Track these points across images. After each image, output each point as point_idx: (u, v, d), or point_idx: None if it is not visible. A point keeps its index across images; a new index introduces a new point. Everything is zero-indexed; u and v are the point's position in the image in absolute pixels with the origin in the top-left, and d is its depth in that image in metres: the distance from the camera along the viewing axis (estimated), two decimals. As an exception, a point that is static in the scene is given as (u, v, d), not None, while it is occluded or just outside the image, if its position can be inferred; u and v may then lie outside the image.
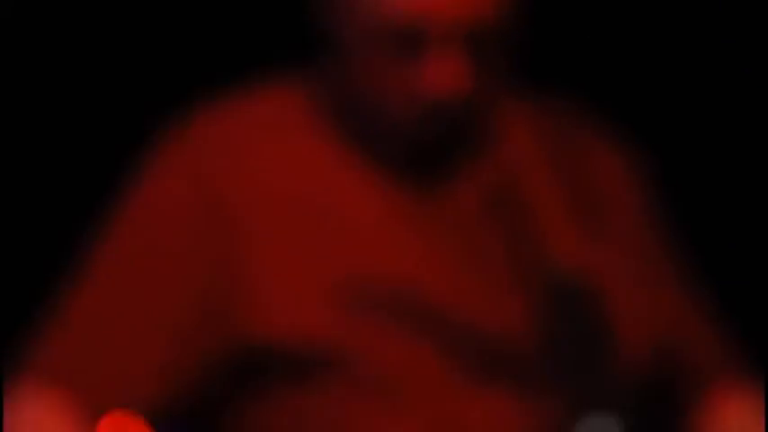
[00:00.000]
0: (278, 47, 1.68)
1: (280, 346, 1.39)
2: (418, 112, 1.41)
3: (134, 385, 1.40)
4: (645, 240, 1.53)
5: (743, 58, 1.79)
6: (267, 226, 1.44)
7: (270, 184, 1.46)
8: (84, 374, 1.40)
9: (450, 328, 1.42)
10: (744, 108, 1.77)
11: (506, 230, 1.45)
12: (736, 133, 1.82)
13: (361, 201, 1.46)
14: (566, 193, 1.49)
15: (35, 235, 1.72)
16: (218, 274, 1.42)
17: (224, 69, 1.61)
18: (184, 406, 1.41)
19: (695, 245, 1.55)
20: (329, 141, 1.48)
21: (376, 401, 1.41)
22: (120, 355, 1.42)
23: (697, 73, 1.85)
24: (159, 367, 1.42)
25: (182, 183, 1.45)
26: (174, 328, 1.42)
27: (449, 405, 1.41)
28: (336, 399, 1.40)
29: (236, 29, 1.80)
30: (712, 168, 1.85)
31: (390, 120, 1.44)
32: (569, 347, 1.43)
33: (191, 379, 1.42)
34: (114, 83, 1.78)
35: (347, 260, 1.43)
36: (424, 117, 1.42)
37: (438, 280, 1.43)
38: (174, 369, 1.42)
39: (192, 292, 1.42)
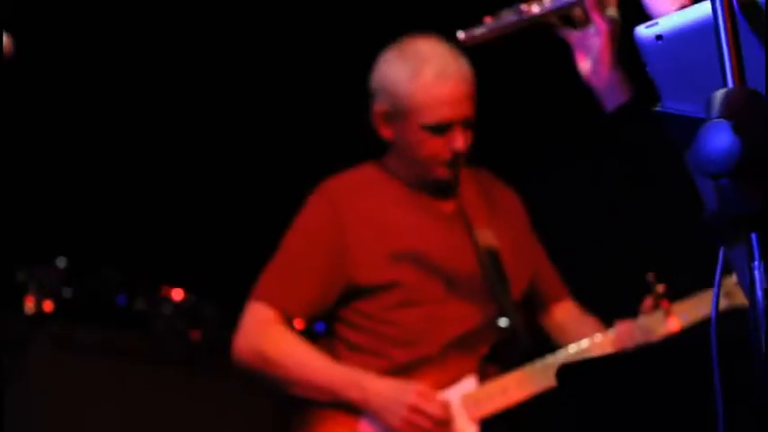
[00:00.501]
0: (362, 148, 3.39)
1: (366, 283, 3.20)
2: (447, 161, 3.22)
3: (307, 303, 3.19)
4: (529, 234, 3.46)
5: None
6: (363, 227, 3.23)
7: (364, 206, 3.26)
8: (283, 296, 3.19)
9: (446, 271, 3.19)
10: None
11: (467, 227, 3.33)
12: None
13: (408, 212, 3.28)
14: (488, 207, 3.34)
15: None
16: (340, 249, 3.21)
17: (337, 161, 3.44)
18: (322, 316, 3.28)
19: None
20: (394, 186, 3.31)
21: (411, 307, 3.16)
22: (301, 287, 3.18)
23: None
24: (319, 293, 3.19)
25: (325, 206, 3.28)
26: (324, 274, 3.20)
27: (440, 305, 3.18)
28: (393, 307, 3.17)
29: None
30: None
31: (429, 170, 3.24)
32: (491, 280, 3.25)
33: (330, 300, 3.20)
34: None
35: (401, 241, 3.23)
36: (449, 164, 3.22)
37: (440, 249, 3.25)
38: (323, 294, 3.20)
39: (331, 257, 3.20)
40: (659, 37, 1.56)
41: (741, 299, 3.10)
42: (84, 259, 4.64)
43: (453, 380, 3.09)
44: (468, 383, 3.08)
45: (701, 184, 1.58)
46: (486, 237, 3.26)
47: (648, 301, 3.17)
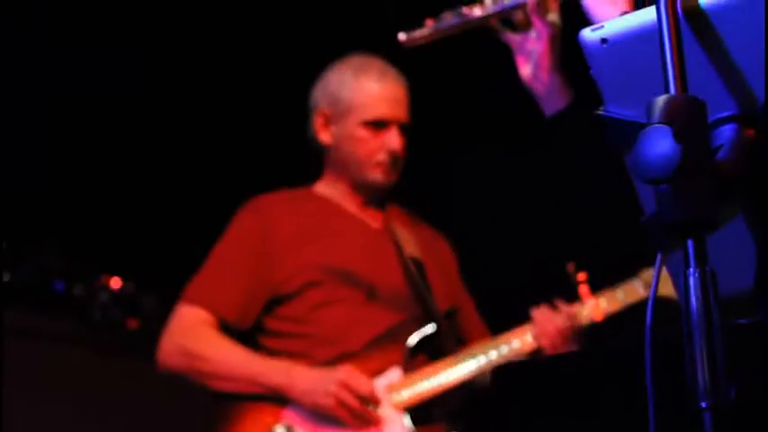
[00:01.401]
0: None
1: (290, 288, 3.22)
2: (384, 161, 3.31)
3: (235, 305, 3.19)
4: (456, 277, 3.51)
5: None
6: (289, 236, 3.27)
7: (291, 219, 3.31)
8: (212, 297, 3.20)
9: (370, 279, 3.26)
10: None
11: (393, 241, 3.39)
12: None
13: (335, 225, 3.35)
14: (416, 236, 3.44)
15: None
16: (267, 257, 3.24)
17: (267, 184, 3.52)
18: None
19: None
20: (322, 203, 3.38)
21: (333, 306, 3.22)
22: (229, 290, 3.20)
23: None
24: (246, 297, 3.21)
25: (253, 217, 3.34)
26: (251, 279, 3.22)
27: (363, 307, 3.22)
28: (316, 306, 3.19)
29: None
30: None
31: (365, 172, 3.33)
32: (417, 289, 3.24)
33: (256, 307, 3.21)
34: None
35: (325, 250, 3.28)
36: (386, 164, 3.32)
37: (366, 259, 3.30)
38: (251, 299, 3.21)
39: (258, 264, 3.23)
40: (604, 40, 1.57)
41: (665, 290, 3.14)
42: (23, 243, 4.59)
43: (378, 372, 3.10)
44: (394, 374, 3.10)
45: (640, 189, 1.58)
46: (413, 250, 3.33)
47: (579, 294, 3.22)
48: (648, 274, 3.26)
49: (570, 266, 3.21)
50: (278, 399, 3.07)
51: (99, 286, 4.70)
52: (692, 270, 1.44)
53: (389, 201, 3.45)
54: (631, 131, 1.44)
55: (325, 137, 3.38)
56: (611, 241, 3.21)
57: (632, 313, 3.14)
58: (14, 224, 4.54)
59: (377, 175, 3.33)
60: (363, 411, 3.00)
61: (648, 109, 1.44)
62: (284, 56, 4.66)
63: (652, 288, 1.57)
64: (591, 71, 1.59)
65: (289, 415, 3.06)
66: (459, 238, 3.71)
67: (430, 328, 3.18)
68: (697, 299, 1.43)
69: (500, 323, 3.36)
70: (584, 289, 3.21)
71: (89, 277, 4.71)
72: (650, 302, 1.59)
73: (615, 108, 1.57)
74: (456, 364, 3.11)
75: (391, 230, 3.37)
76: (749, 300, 1.57)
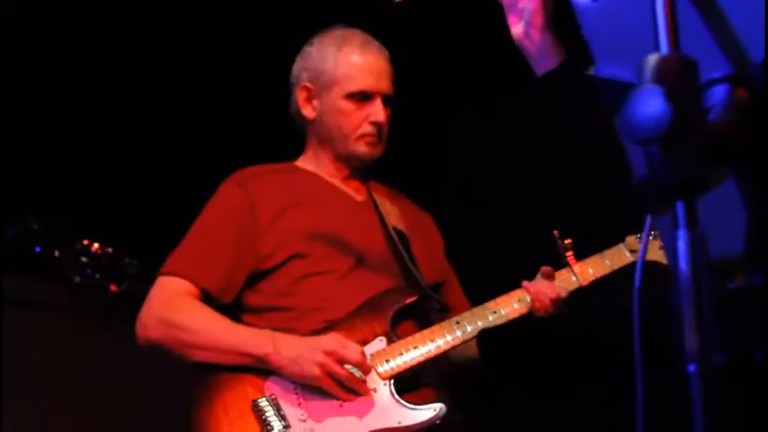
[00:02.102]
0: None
1: (274, 261, 3.16)
2: (368, 132, 3.27)
3: (218, 275, 3.13)
4: (441, 255, 3.48)
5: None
6: (272, 208, 3.21)
7: (274, 190, 3.26)
8: (194, 268, 3.13)
9: (356, 248, 3.20)
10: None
11: (377, 213, 3.34)
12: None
13: (320, 196, 3.30)
14: (400, 211, 3.42)
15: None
16: (250, 228, 3.18)
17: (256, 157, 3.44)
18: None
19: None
20: (306, 176, 3.35)
21: (317, 276, 3.14)
22: (212, 260, 3.14)
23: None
24: (229, 268, 3.14)
25: (235, 189, 3.25)
26: (234, 250, 3.15)
27: (348, 275, 3.16)
28: (299, 279, 3.14)
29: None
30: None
31: (350, 144, 3.29)
32: (402, 258, 3.23)
33: (239, 279, 3.15)
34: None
35: (310, 220, 3.22)
36: (370, 136, 3.27)
37: (351, 229, 3.25)
38: (234, 270, 3.14)
39: (242, 235, 3.16)
40: (595, -1, 1.55)
41: (653, 255, 3.14)
42: (2, 207, 4.56)
43: (363, 342, 3.05)
44: (379, 344, 3.06)
45: (630, 150, 1.56)
46: (396, 222, 3.31)
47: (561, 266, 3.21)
48: (633, 239, 3.26)
49: (556, 233, 3.19)
50: (260, 370, 3.01)
51: (79, 250, 4.68)
52: (681, 232, 1.42)
53: (371, 178, 3.43)
54: (622, 92, 1.42)
55: (308, 111, 3.34)
56: (597, 207, 3.20)
57: (621, 277, 3.14)
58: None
59: (362, 148, 3.30)
60: (352, 381, 2.95)
61: (639, 69, 1.42)
62: (264, 28, 4.62)
63: (641, 251, 1.55)
64: (582, 30, 1.57)
65: (272, 386, 2.99)
66: (444, 208, 3.69)
67: (414, 297, 3.15)
68: (686, 261, 1.41)
69: (487, 291, 3.34)
70: (570, 255, 3.20)
71: (68, 241, 4.68)
72: (639, 266, 1.57)
73: (606, 68, 1.55)
74: (441, 332, 3.08)
75: (375, 203, 3.34)
76: (739, 263, 1.55)
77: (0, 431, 4.26)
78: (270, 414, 2.98)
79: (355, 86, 3.25)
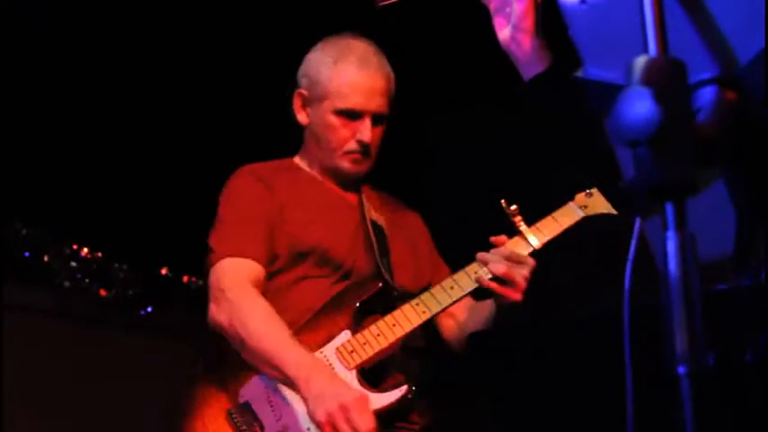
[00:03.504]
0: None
1: (296, 245, 3.21)
2: (354, 149, 3.28)
3: (265, 249, 3.19)
4: (430, 252, 3.50)
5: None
6: (287, 199, 3.27)
7: (281, 184, 3.30)
8: (244, 245, 3.17)
9: (339, 261, 3.24)
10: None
11: (362, 215, 3.35)
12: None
13: (310, 193, 3.33)
14: (388, 216, 3.44)
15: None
16: (273, 212, 3.23)
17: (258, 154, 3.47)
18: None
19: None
20: (304, 173, 3.39)
21: (318, 270, 3.20)
22: (256, 235, 3.19)
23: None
24: (268, 243, 3.20)
25: (252, 179, 3.30)
26: (264, 233, 3.20)
27: (332, 283, 3.20)
28: (308, 270, 3.21)
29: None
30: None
31: (335, 159, 3.31)
32: (377, 269, 3.24)
33: (269, 255, 3.20)
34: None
35: (308, 222, 3.26)
36: (355, 153, 3.29)
37: (339, 234, 3.30)
38: (270, 246, 3.21)
39: (268, 217, 3.23)
40: (583, 0, 1.54)
41: (598, 208, 3.13)
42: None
43: (328, 337, 3.10)
44: (344, 336, 3.08)
45: (619, 152, 1.56)
46: (377, 220, 3.33)
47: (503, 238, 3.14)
48: (582, 196, 3.19)
49: (503, 202, 3.11)
50: (238, 374, 3.02)
51: (68, 255, 4.67)
52: (671, 234, 1.41)
53: (364, 183, 3.43)
54: (611, 93, 1.42)
55: (302, 117, 3.36)
56: (546, 171, 3.17)
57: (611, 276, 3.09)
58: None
59: (346, 164, 3.30)
60: None
61: (628, 70, 1.41)
62: (266, 25, 4.61)
63: (630, 253, 1.54)
64: (569, 32, 1.56)
65: (246, 392, 3.01)
66: (429, 205, 3.69)
67: (375, 288, 3.16)
68: (676, 263, 1.40)
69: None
70: (519, 221, 3.11)
71: (58, 246, 4.67)
72: (628, 267, 1.57)
73: (594, 70, 1.55)
74: (402, 316, 3.08)
75: (363, 206, 3.35)
76: (729, 264, 1.55)
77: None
78: (245, 419, 3.04)
79: (344, 104, 3.25)
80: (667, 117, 1.37)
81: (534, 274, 3.10)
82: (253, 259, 3.17)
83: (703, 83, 1.50)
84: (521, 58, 2.29)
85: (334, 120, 3.26)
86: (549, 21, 2.12)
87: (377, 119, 3.28)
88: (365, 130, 3.24)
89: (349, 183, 3.40)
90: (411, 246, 3.44)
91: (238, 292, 3.11)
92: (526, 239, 3.14)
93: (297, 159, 3.45)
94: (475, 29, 2.49)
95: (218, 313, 3.11)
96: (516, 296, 3.08)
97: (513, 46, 2.30)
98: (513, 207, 3.13)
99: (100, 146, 4.75)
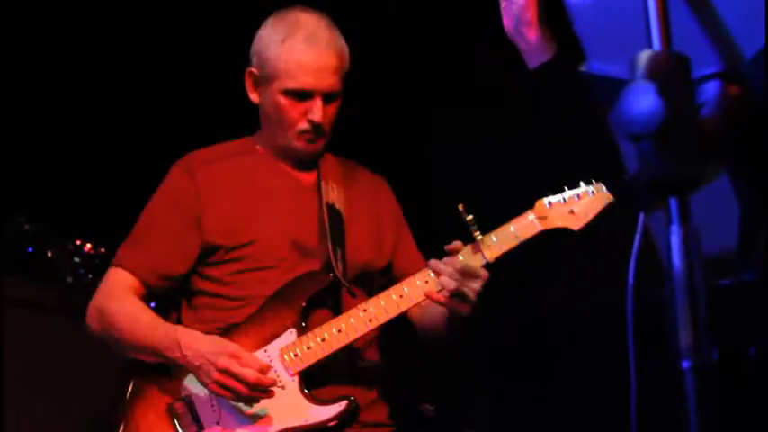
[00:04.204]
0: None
1: (219, 242, 3.15)
2: (306, 129, 3.18)
3: (162, 267, 3.16)
4: (394, 223, 3.40)
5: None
6: (218, 194, 3.21)
7: (221, 175, 3.24)
8: (139, 261, 3.16)
9: (293, 238, 3.17)
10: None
11: (319, 199, 3.27)
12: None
13: (267, 180, 3.26)
14: (348, 191, 3.35)
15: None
16: (197, 212, 3.17)
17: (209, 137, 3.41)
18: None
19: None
20: (258, 155, 3.30)
21: (253, 271, 3.13)
22: (158, 252, 3.17)
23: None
24: (174, 258, 3.17)
25: (182, 175, 3.24)
26: (180, 239, 3.17)
27: (281, 269, 3.13)
28: (237, 271, 3.14)
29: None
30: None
31: (287, 139, 3.22)
32: (333, 249, 3.17)
33: (186, 266, 3.18)
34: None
35: (255, 208, 3.21)
36: (306, 134, 3.20)
37: (291, 218, 3.21)
38: (180, 259, 3.17)
39: (187, 223, 3.17)
40: (587, -5, 1.54)
41: (556, 221, 3.06)
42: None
43: (273, 335, 3.07)
44: (289, 336, 3.05)
45: (623, 146, 1.56)
46: (335, 201, 3.29)
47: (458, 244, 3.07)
48: (542, 204, 3.06)
49: (461, 207, 3.02)
50: (182, 367, 3.03)
51: (70, 251, 4.67)
52: (674, 228, 1.41)
53: (326, 152, 3.35)
54: (614, 88, 1.42)
55: (253, 96, 3.26)
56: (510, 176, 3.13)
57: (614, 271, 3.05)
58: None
59: (299, 143, 3.22)
60: (251, 393, 2.95)
61: (632, 65, 1.41)
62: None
63: (634, 249, 1.54)
64: (573, 27, 1.56)
65: (188, 387, 3.01)
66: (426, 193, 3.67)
67: (324, 284, 3.11)
68: (680, 258, 1.40)
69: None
70: (475, 229, 3.03)
71: (60, 242, 4.67)
72: (632, 262, 1.57)
73: (598, 64, 1.54)
74: (348, 321, 3.02)
75: (320, 187, 3.29)
76: (732, 259, 1.55)
77: (-7, 432, 4.26)
78: (185, 417, 3.04)
79: (292, 84, 3.15)
80: (671, 112, 1.37)
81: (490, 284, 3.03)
82: (140, 276, 3.17)
83: (707, 78, 1.50)
84: (525, 48, 2.31)
85: (283, 100, 3.17)
86: (554, 12, 2.13)
87: (328, 97, 3.17)
88: (316, 110, 3.15)
89: (305, 161, 3.31)
90: (374, 221, 3.37)
91: (104, 296, 3.17)
92: (480, 251, 3.03)
93: (254, 139, 3.36)
94: (484, 17, 2.50)
95: (88, 320, 3.18)
96: (465, 310, 3.00)
97: (518, 36, 2.32)
98: (470, 217, 3.01)
99: (103, 142, 4.75)
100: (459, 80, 4.39)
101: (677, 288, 1.40)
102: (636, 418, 1.49)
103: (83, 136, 4.72)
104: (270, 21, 3.25)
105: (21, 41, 4.50)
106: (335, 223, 3.23)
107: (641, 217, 1.54)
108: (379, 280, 3.28)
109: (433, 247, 3.24)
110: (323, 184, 3.31)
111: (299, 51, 3.15)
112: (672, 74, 1.40)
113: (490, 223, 3.07)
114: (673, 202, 1.42)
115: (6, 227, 4.55)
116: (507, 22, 2.36)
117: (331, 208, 3.25)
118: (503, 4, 2.38)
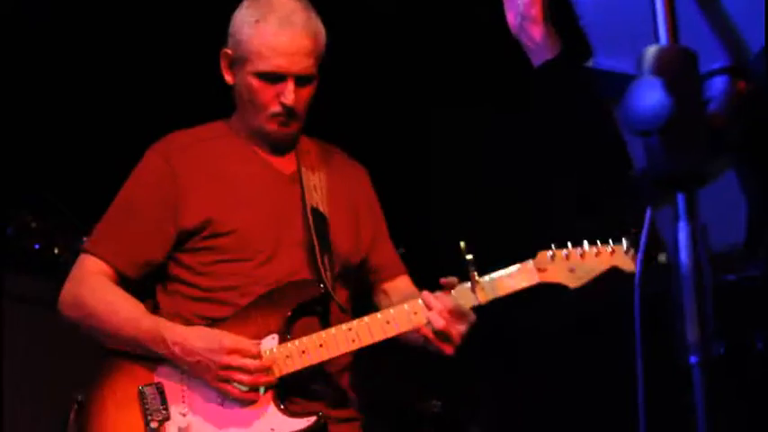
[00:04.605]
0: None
1: (196, 229, 3.10)
2: (278, 112, 3.12)
3: (135, 256, 3.12)
4: (371, 212, 3.36)
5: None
6: (196, 180, 3.15)
7: (198, 161, 3.18)
8: (112, 249, 3.12)
9: (273, 230, 3.12)
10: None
11: (300, 190, 3.21)
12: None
13: (244, 168, 3.21)
14: (328, 179, 3.29)
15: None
16: (172, 202, 3.12)
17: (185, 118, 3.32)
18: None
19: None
20: (234, 142, 3.24)
21: (233, 263, 3.09)
22: (130, 241, 3.13)
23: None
24: (147, 246, 3.13)
25: (158, 160, 3.19)
26: (154, 227, 3.12)
27: (260, 264, 3.08)
28: (214, 262, 3.10)
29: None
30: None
31: (260, 121, 3.16)
32: (316, 245, 3.13)
33: (160, 254, 3.13)
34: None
35: (233, 197, 3.15)
36: (280, 116, 3.13)
37: (271, 209, 3.16)
38: (153, 248, 3.13)
39: (162, 210, 3.12)
40: (594, -10, 1.54)
41: (556, 276, 3.05)
42: (2, 205, 4.56)
43: (255, 336, 3.03)
44: (270, 341, 3.02)
45: (630, 142, 1.56)
46: (320, 198, 3.24)
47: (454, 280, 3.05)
48: (544, 256, 3.05)
49: (462, 245, 3.00)
50: (156, 356, 3.03)
51: (78, 247, 4.68)
52: (682, 224, 1.41)
53: (304, 135, 3.32)
54: (621, 83, 1.42)
55: (228, 77, 3.19)
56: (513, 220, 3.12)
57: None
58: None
59: (272, 126, 3.16)
60: (253, 379, 2.96)
61: (639, 60, 1.41)
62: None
63: (641, 243, 1.54)
64: (580, 22, 1.56)
65: (161, 373, 2.99)
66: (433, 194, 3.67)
67: (314, 295, 3.07)
68: (687, 253, 1.40)
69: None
70: (471, 271, 2.97)
71: (68, 238, 4.68)
72: (639, 258, 1.57)
73: (605, 59, 1.54)
74: (332, 338, 3.01)
75: (300, 178, 3.25)
76: (739, 255, 1.55)
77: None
78: (153, 403, 3.01)
79: (264, 67, 3.10)
80: (678, 107, 1.37)
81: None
82: (112, 265, 3.13)
83: (714, 72, 1.49)
84: (530, 45, 2.30)
85: (256, 82, 3.12)
86: (559, 9, 2.12)
87: (302, 80, 3.12)
88: (288, 93, 3.10)
89: (280, 145, 3.27)
90: (352, 212, 3.33)
91: (79, 284, 3.14)
92: (474, 291, 3.02)
93: (229, 123, 3.30)
94: (488, 14, 2.49)
95: (62, 307, 3.16)
96: (448, 351, 3.02)
97: (522, 34, 2.32)
98: (470, 256, 3.00)
99: (111, 139, 4.75)
100: (463, 81, 4.39)
101: (684, 283, 1.40)
102: (644, 414, 1.49)
103: (91, 133, 4.72)
104: (245, 2, 3.20)
105: (23, 39, 4.50)
106: (320, 224, 3.19)
107: (648, 213, 1.54)
108: (355, 274, 3.27)
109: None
110: (303, 172, 3.26)
111: (271, 33, 3.10)
112: (679, 69, 1.39)
113: (488, 258, 3.07)
114: (680, 198, 1.42)
115: (14, 224, 4.56)
116: (511, 19, 2.35)
117: (314, 209, 3.20)
118: (507, 4, 2.37)
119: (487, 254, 3.14)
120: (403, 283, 3.35)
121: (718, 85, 1.49)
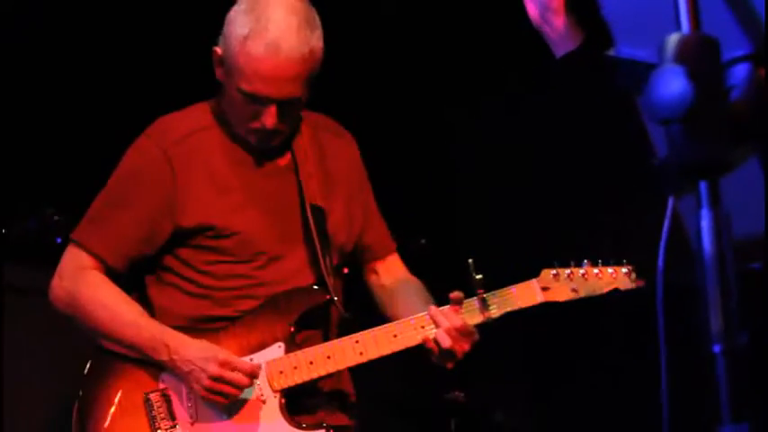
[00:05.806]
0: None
1: (197, 228, 3.03)
2: (257, 129, 3.02)
3: (126, 249, 3.05)
4: (360, 184, 3.28)
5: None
6: (193, 174, 3.06)
7: (193, 155, 3.08)
8: (101, 242, 3.05)
9: (272, 228, 3.08)
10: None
11: (297, 183, 3.15)
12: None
13: (235, 163, 3.10)
14: (321, 161, 3.20)
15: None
16: (173, 193, 3.04)
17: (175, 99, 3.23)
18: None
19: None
20: (222, 136, 3.11)
21: (232, 264, 3.04)
22: (122, 234, 3.05)
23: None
24: (139, 240, 3.05)
25: (154, 150, 3.08)
26: (152, 218, 3.04)
27: (261, 265, 3.05)
28: (213, 262, 3.04)
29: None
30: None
31: (240, 130, 3.07)
32: (315, 242, 3.08)
33: (152, 247, 3.05)
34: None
35: (230, 195, 3.07)
36: (259, 133, 3.03)
37: (268, 207, 3.09)
38: (145, 241, 3.05)
39: (162, 201, 3.04)
40: (615, -21, 1.54)
41: (559, 295, 3.05)
42: (24, 199, 4.57)
43: (261, 344, 3.02)
44: (276, 350, 3.01)
45: (652, 130, 1.56)
46: (316, 194, 3.15)
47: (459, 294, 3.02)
48: (548, 275, 3.08)
49: (471, 262, 3.00)
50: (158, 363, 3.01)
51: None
52: (705, 212, 1.41)
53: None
54: (643, 72, 1.41)
55: (218, 73, 3.05)
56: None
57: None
58: (14, 180, 4.51)
59: (252, 138, 3.06)
60: (237, 395, 2.95)
61: (660, 49, 1.41)
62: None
63: (664, 232, 1.54)
64: (602, 10, 1.56)
65: (167, 380, 2.99)
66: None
67: (320, 301, 3.06)
68: (710, 242, 1.40)
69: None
70: (479, 289, 2.99)
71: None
72: (662, 247, 1.56)
73: (627, 48, 1.54)
74: (340, 349, 3.00)
75: (296, 170, 3.15)
76: (762, 242, 1.55)
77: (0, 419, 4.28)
78: (159, 411, 3.00)
79: (246, 87, 2.96)
80: (701, 95, 1.36)
81: None
82: (101, 259, 3.06)
83: (737, 60, 1.49)
84: (552, 36, 2.29)
85: (238, 96, 2.98)
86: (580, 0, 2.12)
87: (286, 103, 3.00)
88: (268, 117, 2.98)
89: (264, 150, 3.14)
90: (346, 198, 3.24)
91: (74, 278, 3.08)
92: (480, 309, 3.03)
93: (217, 108, 3.15)
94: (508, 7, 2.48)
95: (57, 301, 3.10)
96: (449, 366, 3.04)
97: (544, 24, 2.31)
98: (479, 276, 3.02)
99: (126, 134, 4.76)
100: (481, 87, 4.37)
101: (708, 272, 1.40)
102: (668, 402, 1.49)
103: (113, 128, 4.73)
104: (241, 8, 3.03)
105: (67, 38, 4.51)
106: (319, 221, 3.13)
107: (671, 201, 1.53)
108: (347, 257, 3.25)
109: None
110: (298, 160, 3.18)
111: (256, 58, 2.95)
112: (701, 57, 1.39)
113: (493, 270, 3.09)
114: (703, 186, 1.42)
115: (36, 217, 4.58)
116: (532, 10, 2.34)
117: (313, 206, 3.14)
118: None
119: (503, 250, 3.15)
120: (394, 264, 3.34)
121: (740, 72, 1.48)
